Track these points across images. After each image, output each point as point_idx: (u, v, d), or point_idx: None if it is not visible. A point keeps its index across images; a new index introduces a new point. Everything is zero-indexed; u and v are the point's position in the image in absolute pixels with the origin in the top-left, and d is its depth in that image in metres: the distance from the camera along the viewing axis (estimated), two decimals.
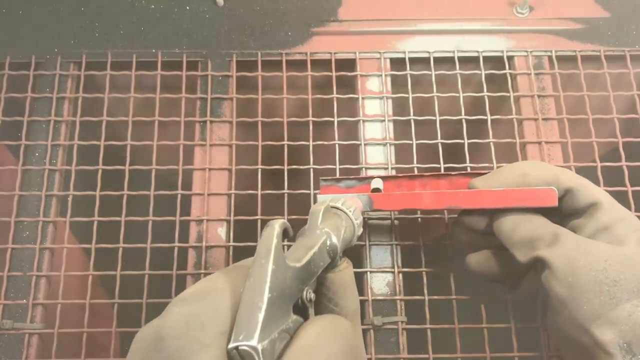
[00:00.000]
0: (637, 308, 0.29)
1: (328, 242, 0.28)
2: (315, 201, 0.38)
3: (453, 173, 0.38)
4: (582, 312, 0.30)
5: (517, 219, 0.35)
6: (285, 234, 0.25)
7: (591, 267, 0.30)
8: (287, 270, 0.24)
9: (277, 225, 0.25)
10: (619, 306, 0.29)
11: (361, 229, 0.33)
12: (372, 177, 0.39)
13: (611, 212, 0.33)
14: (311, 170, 0.45)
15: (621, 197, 0.43)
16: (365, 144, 0.46)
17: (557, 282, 0.31)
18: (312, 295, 0.27)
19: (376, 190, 0.39)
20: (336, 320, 0.25)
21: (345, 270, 0.29)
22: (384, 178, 0.39)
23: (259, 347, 0.21)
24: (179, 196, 0.44)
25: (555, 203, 0.34)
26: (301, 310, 0.26)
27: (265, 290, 0.23)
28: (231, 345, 0.22)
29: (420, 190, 0.38)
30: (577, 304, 0.30)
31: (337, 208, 0.32)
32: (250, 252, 0.42)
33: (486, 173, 0.37)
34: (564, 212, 0.35)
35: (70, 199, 0.44)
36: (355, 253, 0.36)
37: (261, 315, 0.22)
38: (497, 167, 0.38)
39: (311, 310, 0.27)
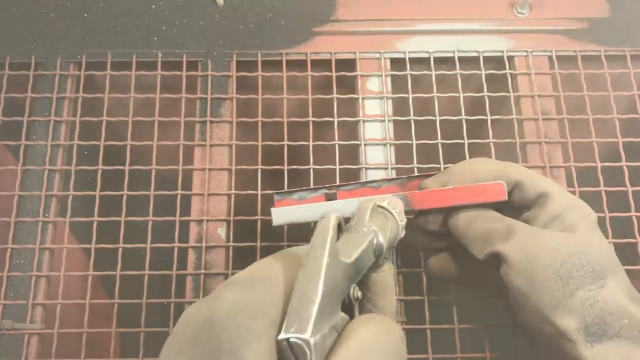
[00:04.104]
0: (592, 293, 0.30)
1: (375, 241, 0.28)
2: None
3: (403, 177, 0.38)
4: (543, 302, 0.30)
5: (470, 216, 0.35)
6: (339, 228, 0.25)
7: (547, 257, 0.31)
8: (339, 265, 0.24)
9: (333, 218, 0.24)
10: (575, 293, 0.30)
11: (404, 232, 0.32)
12: (324, 187, 0.39)
13: (560, 201, 0.33)
14: (311, 170, 0.45)
15: (621, 197, 0.43)
16: (365, 144, 0.46)
17: (516, 275, 0.31)
18: (359, 294, 0.26)
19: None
20: (386, 320, 0.25)
21: (387, 271, 0.29)
22: (337, 187, 0.39)
23: (312, 341, 0.21)
24: (179, 196, 0.44)
25: (505, 197, 0.34)
26: (347, 307, 0.25)
27: (320, 283, 0.22)
28: (282, 336, 0.21)
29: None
30: (537, 295, 0.30)
31: (384, 207, 0.31)
32: (250, 252, 0.43)
33: (435, 174, 0.37)
34: (516, 206, 0.35)
35: (70, 199, 0.44)
36: None
37: (315, 309, 0.21)
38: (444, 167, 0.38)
39: (356, 309, 0.26)
